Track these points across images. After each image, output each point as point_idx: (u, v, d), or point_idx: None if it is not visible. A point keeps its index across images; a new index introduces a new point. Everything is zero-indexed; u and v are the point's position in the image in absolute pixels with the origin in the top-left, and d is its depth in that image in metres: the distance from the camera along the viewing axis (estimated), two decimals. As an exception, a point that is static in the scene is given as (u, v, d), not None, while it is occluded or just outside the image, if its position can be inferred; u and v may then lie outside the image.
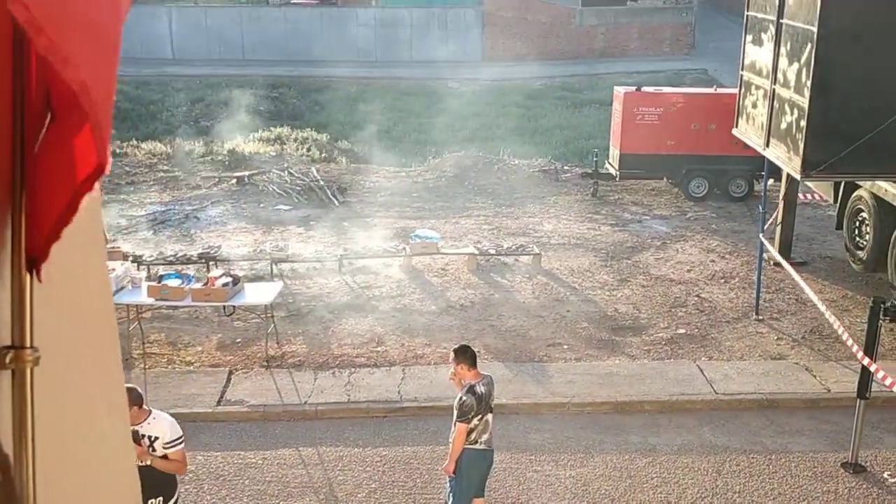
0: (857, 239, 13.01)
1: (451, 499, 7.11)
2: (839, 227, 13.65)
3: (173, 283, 10.76)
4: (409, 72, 34.50)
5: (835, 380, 10.25)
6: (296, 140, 22.66)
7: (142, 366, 10.46)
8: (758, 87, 11.34)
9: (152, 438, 6.06)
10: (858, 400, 8.48)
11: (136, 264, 12.44)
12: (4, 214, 1.11)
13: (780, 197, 13.73)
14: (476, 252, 13.83)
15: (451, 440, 7.04)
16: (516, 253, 13.95)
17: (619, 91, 17.54)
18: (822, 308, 9.95)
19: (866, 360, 8.33)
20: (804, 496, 8.18)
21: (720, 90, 17.90)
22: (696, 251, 14.60)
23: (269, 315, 11.08)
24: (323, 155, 21.54)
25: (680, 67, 34.44)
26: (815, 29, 9.18)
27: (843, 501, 8.12)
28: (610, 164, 18.02)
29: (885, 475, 8.53)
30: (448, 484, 7.15)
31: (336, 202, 17.37)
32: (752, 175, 16.93)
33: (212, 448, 8.96)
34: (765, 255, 12.41)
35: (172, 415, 9.32)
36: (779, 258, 12.23)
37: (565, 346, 11.11)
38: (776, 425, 9.45)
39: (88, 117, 1.05)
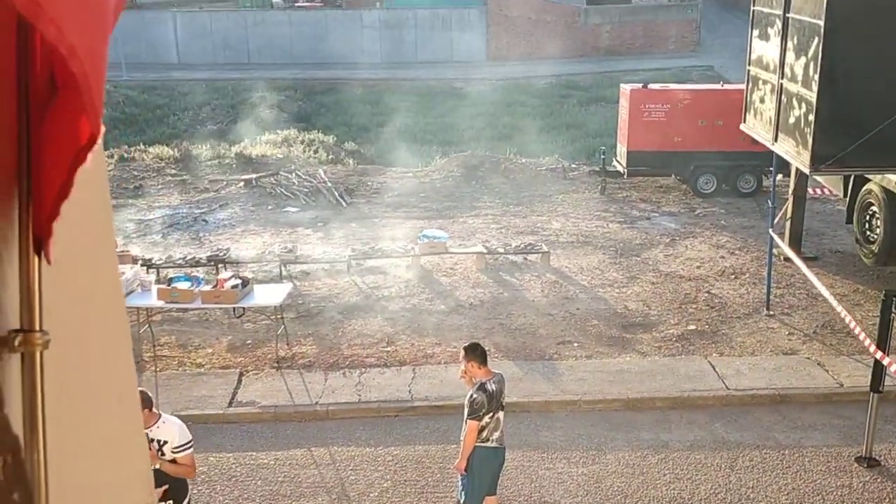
0: (868, 233, 12.96)
1: (463, 497, 7.10)
2: (849, 221, 13.60)
3: (183, 285, 10.77)
4: (415, 73, 34.52)
5: (847, 374, 10.21)
6: (303, 142, 22.70)
7: (153, 368, 10.49)
8: (765, 82, 11.30)
9: (161, 442, 6.06)
10: (871, 394, 8.43)
11: (145, 268, 12.47)
12: (11, 196, 1.11)
13: (790, 192, 13.68)
14: (484, 251, 13.83)
15: (462, 438, 7.03)
16: (525, 251, 13.94)
17: (626, 88, 17.51)
18: (834, 302, 9.90)
19: (879, 354, 8.29)
20: (818, 491, 8.14)
21: (727, 86, 17.86)
22: (705, 247, 14.56)
23: (278, 316, 11.09)
24: (330, 157, 21.57)
25: (686, 64, 34.39)
26: (821, 22, 9.15)
27: (858, 496, 8.08)
28: (617, 161, 17.99)
29: (900, 469, 8.49)
30: (460, 482, 7.14)
31: (344, 203, 17.38)
32: (760, 170, 16.87)
33: (224, 449, 8.97)
34: (775, 251, 12.37)
35: (184, 417, 9.35)
36: (789, 253, 12.19)
37: (575, 344, 11.09)
38: (789, 420, 9.42)
39: (78, 83, 1.04)
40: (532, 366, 10.52)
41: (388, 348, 11.01)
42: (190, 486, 6.56)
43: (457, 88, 32.19)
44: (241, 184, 18.66)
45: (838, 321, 10.90)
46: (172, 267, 12.94)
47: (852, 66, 9.26)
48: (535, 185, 18.50)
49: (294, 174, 18.85)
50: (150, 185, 19.16)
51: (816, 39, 9.31)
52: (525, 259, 13.92)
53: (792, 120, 10.26)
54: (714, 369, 10.40)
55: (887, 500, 8.02)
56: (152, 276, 12.01)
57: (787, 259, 12.66)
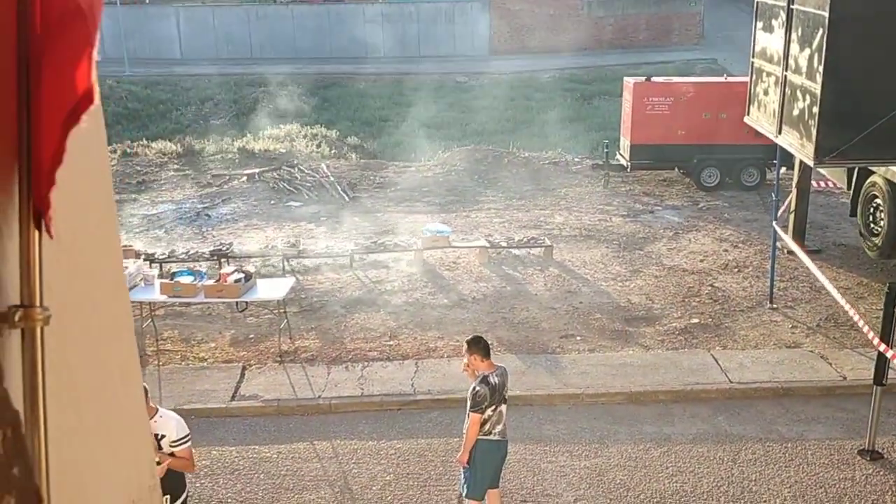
0: (872, 225, 12.92)
1: (465, 490, 7.10)
2: (853, 213, 13.56)
3: (186, 279, 10.79)
4: (417, 67, 34.45)
5: (850, 367, 10.19)
6: (305, 137, 22.69)
7: (156, 363, 10.50)
8: (769, 74, 11.26)
9: (159, 437, 6.05)
10: (875, 387, 8.41)
11: (148, 262, 12.48)
12: (11, 170, 1.10)
13: (793, 185, 13.64)
14: (487, 245, 13.81)
15: (464, 431, 7.03)
16: (528, 245, 13.92)
17: (629, 81, 17.46)
18: (837, 295, 9.88)
19: (882, 347, 8.27)
20: (821, 484, 8.13)
21: (731, 79, 17.80)
22: (708, 241, 14.53)
23: (281, 310, 11.10)
24: (333, 151, 21.55)
25: (689, 58, 34.29)
26: (826, 14, 9.10)
27: (860, 489, 8.07)
28: (621, 154, 17.96)
29: (903, 462, 8.47)
30: (462, 475, 7.14)
31: (346, 198, 17.37)
32: (764, 163, 16.83)
33: (226, 443, 8.98)
34: (778, 244, 12.34)
35: (187, 411, 9.38)
36: (793, 246, 12.15)
37: (578, 338, 11.08)
38: (792, 413, 9.40)
39: (83, 13, 1.02)
40: (535, 359, 10.51)
41: (391, 342, 11.01)
42: (188, 482, 6.55)
43: (460, 82, 32.15)
44: (245, 178, 18.66)
45: (842, 314, 10.87)
46: (175, 261, 12.95)
47: (857, 57, 9.22)
48: (538, 179, 18.48)
49: (297, 169, 18.85)
50: (154, 180, 19.17)
51: (821, 31, 9.26)
52: (528, 253, 13.91)
53: (796, 112, 10.22)
54: (717, 362, 10.38)
55: (890, 492, 8.01)
56: (155, 271, 12.02)
57: (791, 252, 12.63)
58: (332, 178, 18.19)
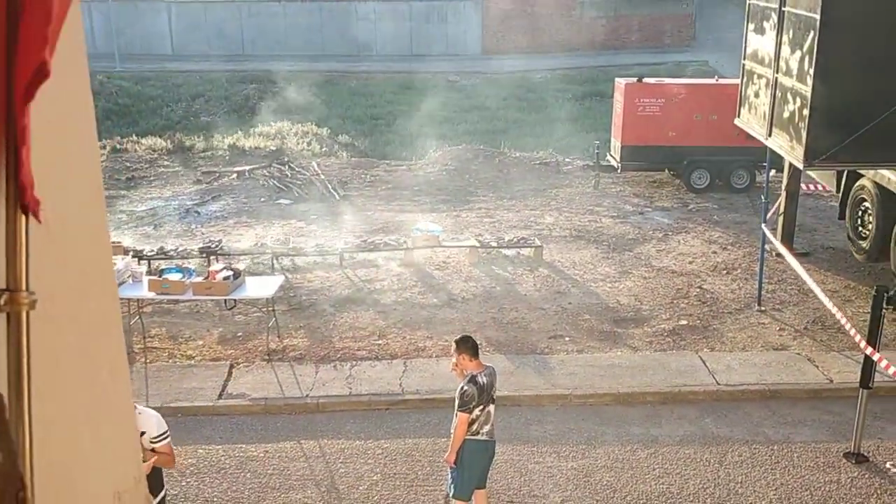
0: (860, 229, 12.97)
1: (452, 490, 7.09)
2: (842, 217, 13.61)
3: (174, 277, 10.74)
4: (409, 65, 34.44)
5: (837, 370, 10.22)
6: (296, 134, 22.65)
7: (143, 360, 10.45)
8: (760, 76, 11.28)
9: (139, 433, 6.03)
10: (861, 390, 8.44)
11: (136, 259, 12.42)
12: None
13: (783, 187, 13.69)
14: (477, 245, 13.81)
15: (452, 431, 7.02)
16: (518, 245, 13.92)
17: (621, 82, 17.48)
18: (825, 298, 9.91)
19: (869, 350, 8.30)
20: (806, 486, 8.15)
21: (722, 80, 17.85)
22: (698, 242, 14.56)
23: (270, 309, 11.06)
24: (323, 149, 21.51)
25: (681, 59, 34.38)
26: (817, 16, 9.13)
27: (846, 491, 8.09)
28: (611, 155, 17.98)
29: (888, 465, 8.50)
30: (450, 475, 7.13)
31: (337, 196, 17.34)
32: (753, 166, 16.88)
33: (213, 441, 8.95)
34: (767, 246, 12.37)
35: (173, 409, 9.36)
36: (781, 249, 12.19)
37: (567, 338, 11.08)
38: (778, 416, 9.43)
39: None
40: (523, 360, 10.51)
41: (380, 341, 10.99)
42: (174, 480, 6.52)
43: (451, 81, 32.13)
44: (234, 175, 18.61)
45: (829, 317, 10.91)
46: (164, 258, 12.90)
47: (847, 60, 9.24)
48: (528, 179, 18.49)
49: (288, 166, 18.80)
50: (143, 176, 19.10)
51: (812, 33, 9.29)
52: (518, 253, 13.91)
53: (786, 114, 10.25)
54: (705, 364, 10.40)
55: (875, 495, 8.04)
56: (143, 268, 11.96)
57: (780, 255, 12.67)
58: (322, 177, 18.15)
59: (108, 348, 1.46)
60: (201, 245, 13.58)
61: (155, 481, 6.15)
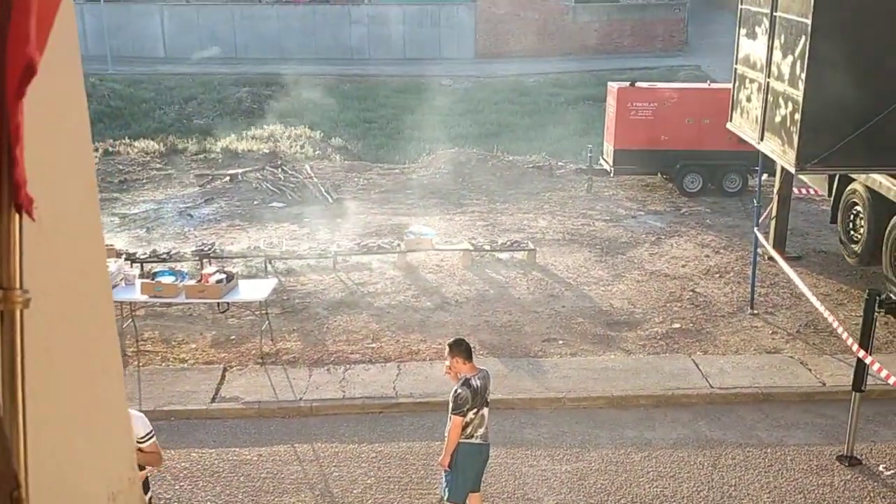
0: (852, 232, 13.03)
1: (446, 493, 7.09)
2: (833, 220, 13.67)
3: (167, 280, 10.71)
4: (403, 69, 34.47)
5: (830, 373, 10.26)
6: (289, 137, 22.62)
7: (136, 363, 10.42)
8: (752, 81, 11.33)
9: None
10: (854, 393, 8.47)
11: (129, 262, 12.38)
12: None
13: (775, 191, 13.74)
14: (471, 248, 13.81)
15: (446, 434, 7.01)
16: (511, 249, 13.93)
17: (613, 87, 17.53)
18: (817, 302, 9.95)
19: (861, 353, 8.33)
20: (799, 489, 8.18)
21: (714, 85, 17.92)
22: (690, 246, 14.60)
23: (263, 312, 11.04)
24: (316, 152, 21.49)
25: (673, 64, 34.50)
26: (809, 21, 9.18)
27: (839, 494, 8.12)
28: (604, 159, 18.02)
29: (881, 468, 8.53)
30: (444, 478, 7.13)
31: (330, 199, 17.33)
32: (746, 170, 16.93)
33: (206, 445, 8.92)
34: (759, 250, 12.42)
35: (166, 412, 9.34)
36: (773, 253, 12.24)
37: (560, 342, 11.09)
38: (771, 419, 9.45)
39: None
40: (517, 363, 10.52)
41: (373, 345, 10.98)
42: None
43: (444, 85, 32.16)
44: (227, 179, 18.58)
45: (822, 320, 10.96)
46: (157, 261, 12.86)
47: (839, 65, 9.29)
48: (521, 183, 18.51)
49: (280, 169, 18.78)
50: (136, 179, 19.06)
51: (803, 38, 9.34)
52: (511, 256, 13.92)
53: (778, 119, 10.30)
54: (698, 367, 10.43)
55: (868, 498, 8.07)
56: (136, 271, 11.92)
57: (772, 258, 12.71)
58: (315, 180, 18.14)
59: (102, 348, 1.46)
60: (194, 248, 13.55)
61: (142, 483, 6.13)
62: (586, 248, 14.44)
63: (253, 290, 10.97)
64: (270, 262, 13.35)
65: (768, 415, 9.53)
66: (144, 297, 10.55)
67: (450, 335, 10.02)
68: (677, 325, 11.55)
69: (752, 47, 11.26)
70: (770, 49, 10.44)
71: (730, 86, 12.65)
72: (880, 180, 11.71)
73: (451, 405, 6.89)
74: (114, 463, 1.52)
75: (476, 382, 6.90)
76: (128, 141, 21.88)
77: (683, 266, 13.69)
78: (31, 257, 1.14)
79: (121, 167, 19.66)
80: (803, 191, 15.29)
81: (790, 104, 9.86)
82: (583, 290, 12.75)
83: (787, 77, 9.95)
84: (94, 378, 1.43)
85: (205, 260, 12.85)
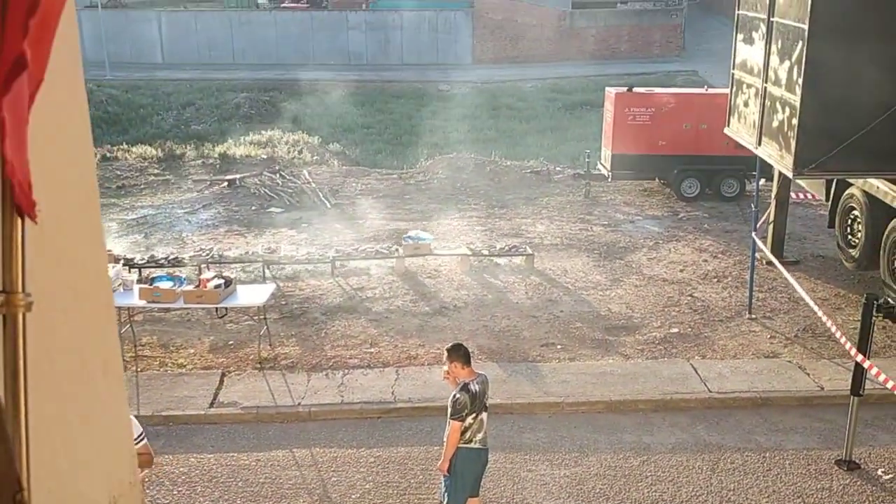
0: (850, 237, 13.04)
1: (445, 498, 7.08)
2: (831, 225, 13.68)
3: (165, 285, 10.70)
4: (400, 74, 34.52)
5: (828, 377, 10.26)
6: (287, 143, 22.64)
7: (134, 368, 10.40)
8: (749, 86, 11.36)
9: None
10: (852, 397, 8.48)
11: (127, 267, 12.38)
12: None
13: (772, 196, 13.76)
14: (469, 253, 13.82)
15: (445, 439, 7.01)
16: (509, 254, 13.94)
17: (611, 92, 17.56)
18: (815, 306, 9.96)
19: (859, 357, 8.33)
20: (798, 494, 8.18)
21: (711, 90, 17.96)
22: (688, 251, 14.62)
23: (261, 317, 11.03)
24: (314, 157, 21.51)
25: (670, 69, 34.57)
26: (805, 26, 9.21)
27: (838, 499, 8.12)
28: (602, 164, 18.04)
29: (879, 472, 8.53)
30: (443, 483, 7.12)
31: (328, 204, 17.33)
32: (743, 175, 16.97)
33: (204, 450, 8.91)
34: (757, 255, 12.43)
35: (165, 417, 9.33)
36: (771, 257, 12.25)
37: (559, 346, 11.09)
38: (770, 423, 9.45)
39: None
40: (515, 367, 10.51)
41: (372, 349, 10.98)
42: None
43: (442, 91, 32.21)
44: (225, 184, 18.58)
45: (819, 325, 10.97)
46: (155, 266, 12.86)
47: (836, 70, 9.32)
48: (519, 188, 18.52)
49: (278, 175, 18.78)
50: (134, 184, 19.05)
51: (800, 43, 9.36)
52: (509, 261, 13.93)
53: (775, 124, 10.32)
54: (696, 372, 10.43)
55: (866, 502, 8.07)
56: (134, 276, 11.92)
57: (770, 263, 12.73)
58: (313, 185, 18.14)
59: (102, 350, 1.46)
60: (192, 253, 13.54)
61: None
62: (584, 253, 14.45)
63: (251, 296, 10.96)
64: (269, 268, 13.34)
65: (767, 419, 9.53)
66: (143, 303, 10.53)
67: (448, 340, 10.01)
68: (675, 330, 11.56)
69: (750, 52, 11.29)
70: (767, 54, 10.47)
71: (727, 91, 12.68)
72: (878, 185, 11.74)
73: (449, 410, 6.89)
74: (114, 466, 1.52)
75: (475, 387, 6.90)
76: (126, 146, 21.89)
77: (681, 271, 13.70)
78: (32, 261, 1.14)
79: (119, 173, 19.66)
80: (801, 195, 15.31)
81: (787, 109, 9.89)
82: (581, 294, 12.76)
83: (784, 82, 9.97)
84: (95, 381, 1.43)
85: (203, 265, 12.84)
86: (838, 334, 9.27)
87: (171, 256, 13.38)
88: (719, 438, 9.14)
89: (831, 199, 13.49)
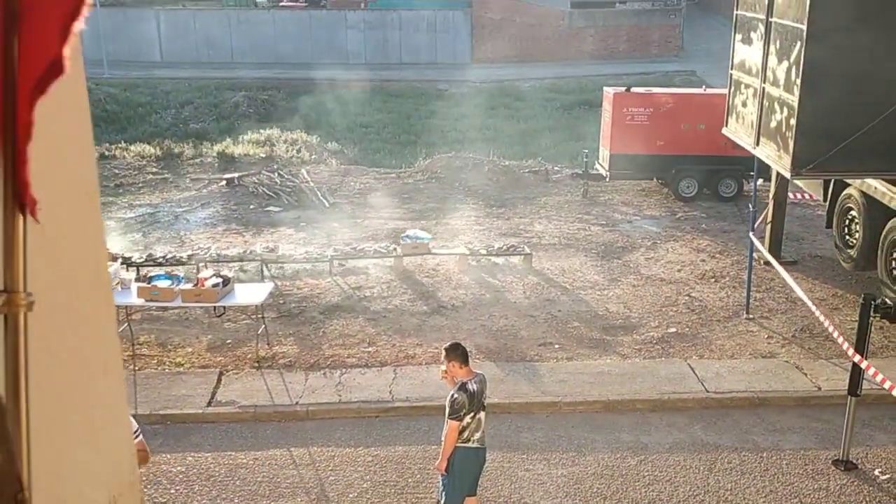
0: (847, 237, 13.05)
1: (443, 497, 7.09)
2: (829, 225, 13.70)
3: (163, 283, 10.70)
4: (399, 74, 34.51)
5: (825, 377, 10.28)
6: (285, 142, 22.62)
7: (131, 367, 10.40)
8: (747, 86, 11.37)
9: None
10: (849, 397, 8.49)
11: (125, 266, 12.37)
12: None
13: (770, 196, 13.77)
14: (467, 252, 13.82)
15: (442, 438, 7.01)
16: (507, 253, 13.94)
17: (609, 92, 17.56)
18: (812, 307, 9.97)
19: (857, 358, 8.35)
20: (795, 494, 8.19)
21: (709, 90, 17.96)
22: (686, 251, 14.63)
23: (259, 316, 11.04)
24: (313, 156, 21.50)
25: (669, 69, 34.59)
26: (804, 27, 9.22)
27: (834, 499, 8.13)
28: (600, 164, 18.05)
29: (876, 472, 8.55)
30: (440, 483, 7.12)
31: (326, 203, 17.33)
32: (741, 175, 16.98)
33: (202, 449, 8.91)
34: (755, 255, 12.44)
35: (162, 416, 9.33)
36: (769, 257, 12.27)
37: (556, 346, 11.10)
38: (767, 423, 9.47)
39: None
40: (513, 367, 10.52)
41: (370, 349, 10.98)
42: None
43: (441, 90, 32.21)
44: (223, 183, 18.57)
45: (817, 325, 10.98)
46: (153, 265, 12.85)
47: (834, 70, 9.33)
48: (517, 188, 18.53)
49: (276, 174, 18.77)
50: (132, 183, 19.04)
51: (799, 44, 9.37)
52: (507, 261, 13.93)
53: (773, 124, 10.33)
54: (694, 372, 10.44)
55: (864, 503, 8.08)
56: (132, 275, 11.92)
57: (767, 263, 12.74)
58: (311, 184, 18.13)
59: (102, 349, 1.46)
60: (190, 252, 13.54)
61: None
62: (582, 253, 14.45)
63: (249, 294, 10.96)
64: (267, 266, 13.34)
65: (764, 419, 9.55)
66: (141, 301, 10.54)
67: (446, 339, 10.02)
68: (673, 330, 11.57)
69: (748, 53, 11.30)
70: (765, 54, 10.47)
71: (725, 91, 12.69)
72: (875, 185, 11.75)
73: (447, 409, 6.89)
74: (114, 465, 1.53)
75: (473, 386, 6.90)
76: (124, 145, 21.86)
77: (679, 270, 13.71)
78: (33, 259, 1.14)
79: (117, 171, 19.65)
80: (798, 195, 15.33)
81: (786, 109, 9.90)
82: (579, 294, 12.76)
83: (782, 82, 9.98)
84: (96, 381, 1.44)
85: (201, 264, 12.84)
86: (836, 334, 9.28)
87: (170, 255, 13.38)
88: (716, 438, 9.15)
89: (829, 199, 13.51)
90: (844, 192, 13.04)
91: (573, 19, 38.54)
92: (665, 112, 16.92)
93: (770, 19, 10.28)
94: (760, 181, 13.24)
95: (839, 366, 10.30)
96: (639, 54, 38.28)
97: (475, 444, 7.00)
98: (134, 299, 10.49)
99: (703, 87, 19.70)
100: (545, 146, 23.64)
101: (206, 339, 11.26)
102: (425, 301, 12.44)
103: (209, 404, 9.69)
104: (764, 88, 10.57)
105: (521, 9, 38.06)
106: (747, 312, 12.02)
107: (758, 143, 10.90)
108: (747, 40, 11.30)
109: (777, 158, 10.28)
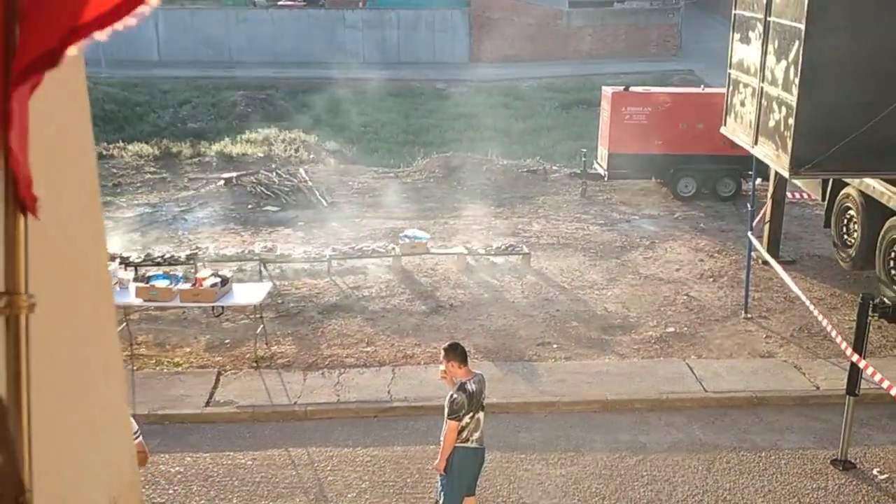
0: (845, 237, 13.06)
1: (442, 497, 7.08)
2: (827, 225, 13.70)
3: (161, 283, 10.69)
4: (397, 73, 34.48)
5: (824, 377, 10.28)
6: (284, 141, 22.60)
7: (130, 367, 10.39)
8: (746, 86, 11.37)
9: None
10: (847, 397, 8.49)
11: (123, 265, 12.35)
12: None
13: (768, 196, 13.78)
14: (465, 252, 13.82)
15: (441, 438, 7.01)
16: (506, 253, 13.94)
17: (608, 91, 17.56)
18: (811, 306, 9.97)
19: (855, 357, 8.35)
20: (794, 493, 8.19)
21: (708, 89, 17.97)
22: (684, 250, 14.63)
23: (258, 316, 11.03)
24: (311, 156, 21.48)
25: (667, 68, 34.56)
26: (802, 26, 9.21)
27: (833, 498, 8.14)
28: (598, 164, 18.05)
29: (875, 472, 8.55)
30: (439, 483, 7.12)
31: (324, 203, 17.32)
32: (739, 174, 16.99)
33: (201, 449, 8.90)
34: (753, 254, 12.45)
35: (160, 416, 9.33)
36: (767, 257, 12.27)
37: (555, 346, 11.10)
38: (766, 423, 9.47)
39: None
40: (511, 367, 10.52)
41: (368, 348, 10.98)
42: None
43: (439, 89, 32.19)
44: (222, 182, 18.55)
45: (815, 324, 10.98)
46: (151, 265, 12.83)
47: (832, 70, 9.33)
48: (516, 187, 18.52)
49: (275, 173, 18.76)
50: (130, 182, 19.02)
51: (797, 43, 9.37)
52: (506, 260, 13.93)
53: (772, 123, 10.33)
54: (692, 371, 10.44)
55: (862, 502, 8.09)
56: (130, 274, 11.90)
57: (766, 262, 12.75)
58: (310, 184, 18.12)
59: (103, 351, 1.46)
60: (188, 252, 13.52)
61: None
62: (581, 253, 14.45)
63: (247, 294, 10.96)
64: (265, 266, 13.33)
65: (762, 419, 9.55)
66: (139, 301, 10.53)
67: (444, 339, 10.02)
68: (671, 329, 11.57)
69: (746, 52, 11.30)
70: (764, 54, 10.47)
71: (723, 90, 12.68)
72: (874, 185, 11.75)
73: (446, 410, 6.89)
74: (115, 466, 1.53)
75: (471, 386, 6.90)
76: (122, 144, 21.83)
77: (677, 270, 13.71)
78: (34, 261, 1.14)
79: (115, 171, 19.62)
80: (797, 195, 15.33)
81: (784, 109, 9.90)
82: (577, 294, 12.76)
83: (780, 82, 9.98)
84: (96, 382, 1.43)
85: (199, 263, 12.83)
86: (834, 334, 9.28)
87: (168, 255, 13.36)
88: (715, 438, 9.15)
89: (827, 198, 13.51)
90: (843, 192, 13.04)
91: (571, 18, 38.53)
92: (663, 111, 16.92)
93: (768, 18, 10.28)
94: (759, 180, 13.24)
95: (837, 365, 10.31)
96: (637, 53, 38.26)
97: (474, 444, 7.00)
98: (132, 299, 10.49)
99: (702, 86, 19.71)
100: (543, 145, 23.63)
101: (204, 339, 11.25)
102: (424, 301, 12.44)
103: (207, 404, 9.68)
104: (762, 88, 10.57)
105: (519, 8, 38.04)
106: (746, 312, 12.02)
107: (756, 143, 10.90)
108: (746, 40, 11.30)
109: (775, 158, 10.28)
